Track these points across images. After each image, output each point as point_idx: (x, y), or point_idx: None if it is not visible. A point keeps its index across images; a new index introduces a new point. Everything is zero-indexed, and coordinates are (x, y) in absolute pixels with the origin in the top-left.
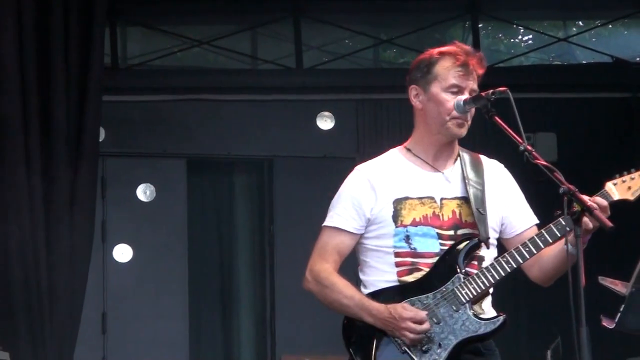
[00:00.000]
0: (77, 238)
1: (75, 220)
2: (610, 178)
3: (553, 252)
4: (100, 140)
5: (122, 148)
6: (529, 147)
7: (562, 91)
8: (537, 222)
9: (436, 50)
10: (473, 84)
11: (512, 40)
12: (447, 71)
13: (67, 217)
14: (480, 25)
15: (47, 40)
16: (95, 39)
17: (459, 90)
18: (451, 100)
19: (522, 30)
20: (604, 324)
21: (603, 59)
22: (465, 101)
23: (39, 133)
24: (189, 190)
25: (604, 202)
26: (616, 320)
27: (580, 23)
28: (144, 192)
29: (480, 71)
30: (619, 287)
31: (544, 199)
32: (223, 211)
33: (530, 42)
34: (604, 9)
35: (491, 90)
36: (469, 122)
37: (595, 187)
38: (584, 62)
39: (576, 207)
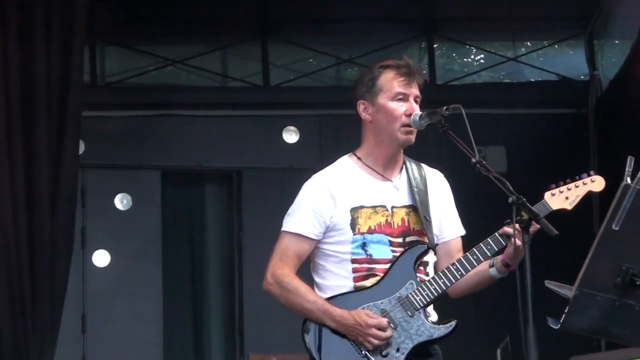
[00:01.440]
0: (58, 244)
1: (56, 228)
2: (549, 189)
3: (474, 271)
4: (80, 152)
5: (100, 160)
6: (481, 160)
7: (511, 107)
8: (464, 233)
9: (377, 65)
10: (416, 91)
11: (465, 59)
12: (390, 82)
13: (49, 224)
14: (435, 46)
15: (30, 58)
16: (75, 58)
17: (404, 98)
18: (399, 108)
19: (474, 50)
20: (550, 324)
21: (550, 77)
22: (420, 116)
23: (22, 145)
24: (163, 199)
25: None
26: (561, 320)
27: (529, 44)
28: (121, 202)
29: (420, 79)
30: (565, 290)
31: (491, 207)
32: (195, 219)
33: (482, 61)
34: (551, 31)
35: (445, 107)
36: (416, 132)
37: (541, 198)
38: (531, 80)
39: (524, 216)
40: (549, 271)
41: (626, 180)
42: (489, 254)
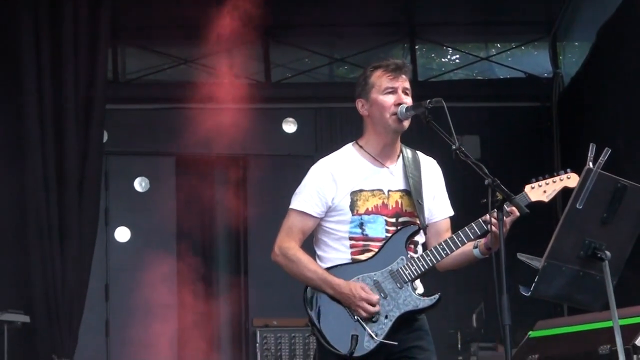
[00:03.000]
0: (85, 221)
1: (83, 207)
2: (529, 182)
3: (459, 250)
4: (104, 141)
5: (121, 148)
6: (460, 147)
7: (484, 101)
8: (452, 214)
9: (369, 66)
10: (404, 83)
11: (442, 59)
12: (379, 79)
13: (77, 204)
14: (416, 47)
15: (60, 58)
16: (100, 58)
17: (392, 91)
18: (388, 100)
19: (450, 51)
20: (522, 291)
21: (517, 74)
22: (406, 108)
23: (53, 134)
24: (177, 182)
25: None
26: (531, 288)
27: (499, 45)
28: (140, 184)
29: (408, 74)
30: (534, 262)
31: (470, 189)
32: (205, 199)
33: (457, 61)
34: (518, 34)
35: (428, 100)
36: (409, 120)
37: (512, 180)
38: (501, 77)
39: (499, 196)
40: (517, 246)
41: (589, 165)
42: (472, 237)
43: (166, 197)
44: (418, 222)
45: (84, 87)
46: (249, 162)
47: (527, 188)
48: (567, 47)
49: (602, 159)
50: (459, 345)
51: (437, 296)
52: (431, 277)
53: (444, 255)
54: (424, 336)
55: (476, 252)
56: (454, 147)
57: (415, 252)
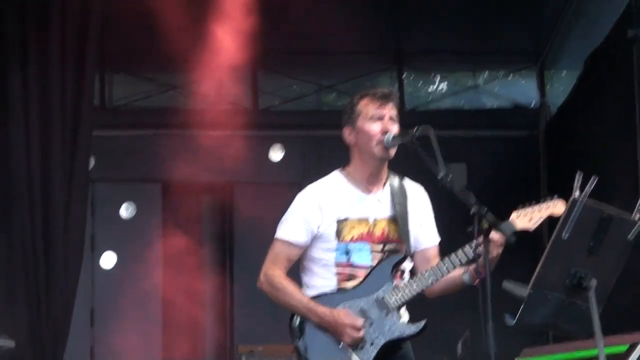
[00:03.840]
0: (71, 247)
1: (69, 233)
2: (515, 209)
3: (449, 276)
4: (90, 167)
5: (108, 174)
6: (447, 175)
7: (471, 130)
8: (439, 240)
9: (356, 95)
10: (391, 111)
11: (430, 87)
12: (366, 107)
13: (63, 230)
14: (404, 75)
15: (47, 84)
16: (86, 84)
17: (379, 118)
18: (374, 128)
19: (438, 79)
20: (507, 320)
21: (505, 103)
22: (393, 136)
23: (39, 160)
24: (164, 208)
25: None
26: (516, 317)
27: (486, 73)
28: (126, 210)
29: (395, 102)
30: (520, 290)
31: (455, 218)
32: (192, 226)
33: (445, 89)
34: (506, 63)
35: (415, 128)
36: (395, 148)
37: (498, 208)
38: (489, 106)
39: (485, 224)
40: (503, 275)
41: (575, 195)
42: (459, 264)
43: (152, 223)
44: (404, 249)
45: (70, 113)
46: (236, 189)
47: (513, 215)
48: (555, 76)
49: (589, 188)
50: None
51: (423, 323)
52: (417, 304)
53: (430, 283)
54: None
55: (465, 278)
56: (440, 176)
57: (402, 279)
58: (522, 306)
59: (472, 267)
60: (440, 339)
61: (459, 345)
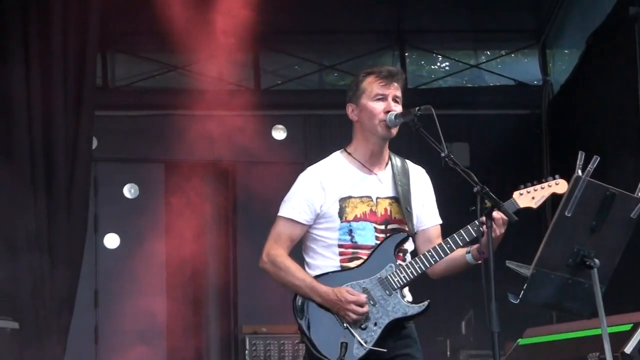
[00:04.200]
0: (74, 228)
1: (72, 214)
2: (517, 188)
3: (452, 256)
4: (93, 147)
5: (111, 154)
6: (449, 154)
7: (473, 109)
8: (441, 222)
9: (362, 72)
10: (395, 91)
11: (432, 66)
12: (371, 85)
13: (66, 211)
14: (406, 54)
15: (48, 65)
16: (88, 65)
17: (383, 98)
18: (378, 107)
19: (440, 59)
20: (510, 299)
21: (507, 82)
22: (395, 115)
23: (41, 141)
24: (167, 189)
25: (504, 218)
26: (520, 296)
27: (488, 52)
28: (129, 191)
29: (400, 82)
30: (523, 269)
31: (457, 197)
32: (194, 206)
33: (447, 68)
34: (508, 41)
35: (417, 107)
36: (397, 128)
37: (501, 187)
38: (491, 84)
39: (487, 204)
40: (507, 253)
41: (578, 173)
42: (461, 244)
43: (155, 203)
44: (407, 229)
45: (72, 93)
46: (238, 168)
47: (516, 194)
48: (557, 55)
49: (591, 166)
50: (448, 353)
51: (426, 303)
52: (420, 285)
53: (433, 262)
54: (412, 344)
55: (469, 257)
56: (443, 154)
57: (404, 259)
58: (525, 285)
59: (475, 246)
60: (444, 319)
61: (463, 325)
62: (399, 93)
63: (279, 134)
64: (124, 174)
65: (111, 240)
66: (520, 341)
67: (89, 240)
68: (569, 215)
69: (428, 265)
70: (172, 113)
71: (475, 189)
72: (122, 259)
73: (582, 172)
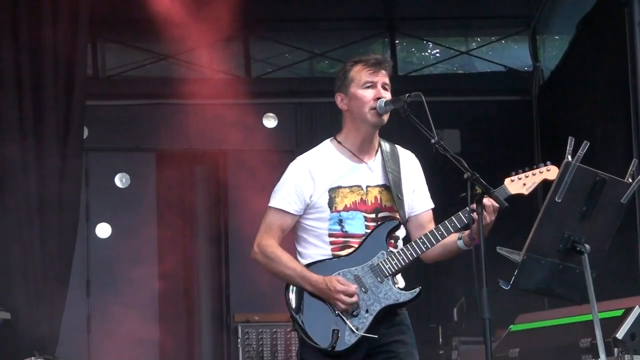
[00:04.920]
0: (66, 218)
1: (63, 203)
2: (508, 175)
3: (444, 242)
4: (84, 137)
5: (102, 144)
6: (439, 141)
7: (464, 95)
8: (433, 206)
9: (349, 61)
10: (383, 78)
11: (423, 53)
12: (359, 73)
13: (57, 200)
14: (396, 42)
15: (39, 55)
16: (79, 54)
17: (372, 85)
18: (367, 94)
19: (431, 45)
20: (501, 285)
21: (498, 68)
22: (385, 102)
23: (33, 132)
24: (158, 178)
25: (495, 205)
26: (511, 282)
27: (479, 39)
28: (120, 180)
29: (388, 69)
30: (514, 255)
31: (448, 184)
32: (186, 195)
33: (437, 55)
34: (498, 28)
35: (407, 94)
36: (387, 115)
37: (493, 173)
38: (481, 71)
39: (478, 190)
40: (498, 239)
41: (567, 158)
42: (453, 230)
43: (147, 192)
44: (398, 217)
45: (63, 83)
46: (230, 157)
47: (507, 181)
48: (547, 41)
49: (581, 152)
50: (440, 340)
51: (417, 290)
52: (412, 272)
53: (424, 249)
54: (405, 331)
55: (460, 243)
56: (433, 141)
57: (396, 247)
58: (516, 271)
59: (467, 232)
60: (436, 306)
61: (455, 311)
62: (387, 80)
63: (270, 122)
64: (115, 164)
65: (103, 230)
66: (513, 327)
67: (81, 229)
68: (559, 200)
69: (420, 252)
70: (163, 102)
71: (465, 175)
72: (114, 248)
73: (572, 157)
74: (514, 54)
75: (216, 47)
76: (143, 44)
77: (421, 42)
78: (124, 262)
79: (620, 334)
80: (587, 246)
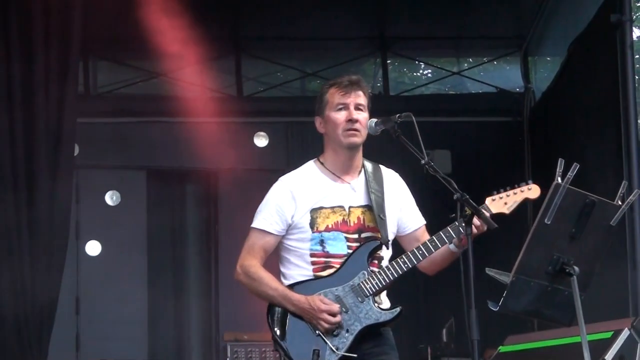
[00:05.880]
0: (56, 235)
1: (54, 220)
2: (490, 194)
3: (440, 250)
4: (75, 154)
5: (93, 161)
6: (429, 161)
7: (455, 116)
8: (425, 222)
9: (326, 84)
10: (356, 99)
11: (414, 73)
12: (332, 95)
13: (47, 218)
14: (388, 62)
15: (30, 72)
16: (70, 71)
17: (344, 107)
18: (340, 116)
19: (422, 66)
20: (490, 307)
21: (489, 89)
22: (376, 123)
23: (24, 149)
24: (148, 196)
25: (482, 227)
26: (500, 303)
27: (470, 60)
28: (111, 198)
29: (361, 89)
30: (502, 277)
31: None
32: (176, 213)
33: (429, 75)
34: (490, 49)
35: (397, 115)
36: (363, 133)
37: (483, 194)
38: (473, 92)
39: (467, 211)
40: (488, 261)
41: (557, 180)
42: (433, 250)
43: (137, 210)
44: (380, 237)
45: (54, 100)
46: (220, 176)
47: (488, 200)
48: (539, 62)
49: (571, 174)
50: None
51: (397, 309)
52: (400, 291)
53: (405, 269)
54: (389, 350)
55: (452, 247)
56: (423, 161)
57: (379, 267)
58: (505, 293)
59: (454, 240)
60: (425, 326)
61: (444, 332)
62: (361, 100)
63: (261, 141)
64: (105, 181)
65: (93, 248)
66: (502, 348)
67: (71, 247)
68: (549, 222)
69: (400, 272)
70: (155, 120)
71: (455, 196)
72: (104, 266)
73: (562, 179)
74: (505, 75)
75: (208, 65)
76: (135, 62)
77: (413, 62)
78: (113, 279)
79: (609, 356)
80: (576, 268)
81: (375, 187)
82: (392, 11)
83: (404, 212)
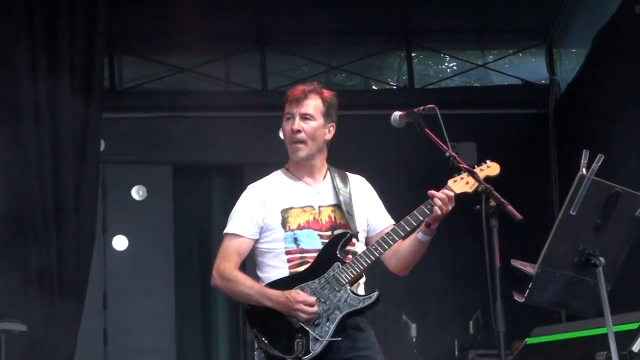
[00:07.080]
0: (83, 230)
1: (81, 216)
2: (451, 176)
3: (407, 243)
4: (101, 149)
5: (119, 156)
6: (454, 154)
7: (481, 108)
8: (393, 222)
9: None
10: (302, 109)
11: (439, 66)
12: (285, 106)
13: (74, 213)
14: (413, 55)
15: (56, 67)
16: (96, 67)
17: (291, 117)
18: (287, 127)
19: (447, 59)
20: (516, 298)
21: (514, 81)
22: (400, 116)
23: (50, 143)
24: (175, 190)
25: (451, 193)
26: (525, 295)
27: (495, 52)
28: (137, 193)
29: (313, 97)
30: (528, 268)
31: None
32: (202, 208)
33: (454, 68)
34: (515, 41)
35: (421, 107)
36: (309, 144)
37: (508, 187)
38: (498, 84)
39: (492, 203)
40: (514, 252)
41: (582, 171)
42: (402, 234)
43: (163, 205)
44: (350, 230)
45: (80, 96)
46: (246, 170)
47: (450, 182)
48: (564, 54)
49: (596, 165)
50: (456, 353)
51: (375, 294)
52: (428, 284)
53: (377, 255)
54: (371, 346)
55: (420, 235)
56: (447, 154)
57: (353, 258)
58: (530, 284)
59: (421, 226)
60: (452, 319)
61: (471, 324)
62: (309, 110)
63: None
64: (132, 176)
65: (120, 242)
66: (529, 340)
67: (98, 242)
68: (574, 213)
69: (373, 258)
70: (180, 115)
71: (480, 188)
72: (131, 260)
73: (587, 170)
74: (530, 67)
75: (233, 59)
76: (160, 57)
77: (438, 55)
78: (141, 274)
79: (636, 347)
80: (602, 259)
81: (342, 188)
82: (416, 4)
83: (372, 213)
